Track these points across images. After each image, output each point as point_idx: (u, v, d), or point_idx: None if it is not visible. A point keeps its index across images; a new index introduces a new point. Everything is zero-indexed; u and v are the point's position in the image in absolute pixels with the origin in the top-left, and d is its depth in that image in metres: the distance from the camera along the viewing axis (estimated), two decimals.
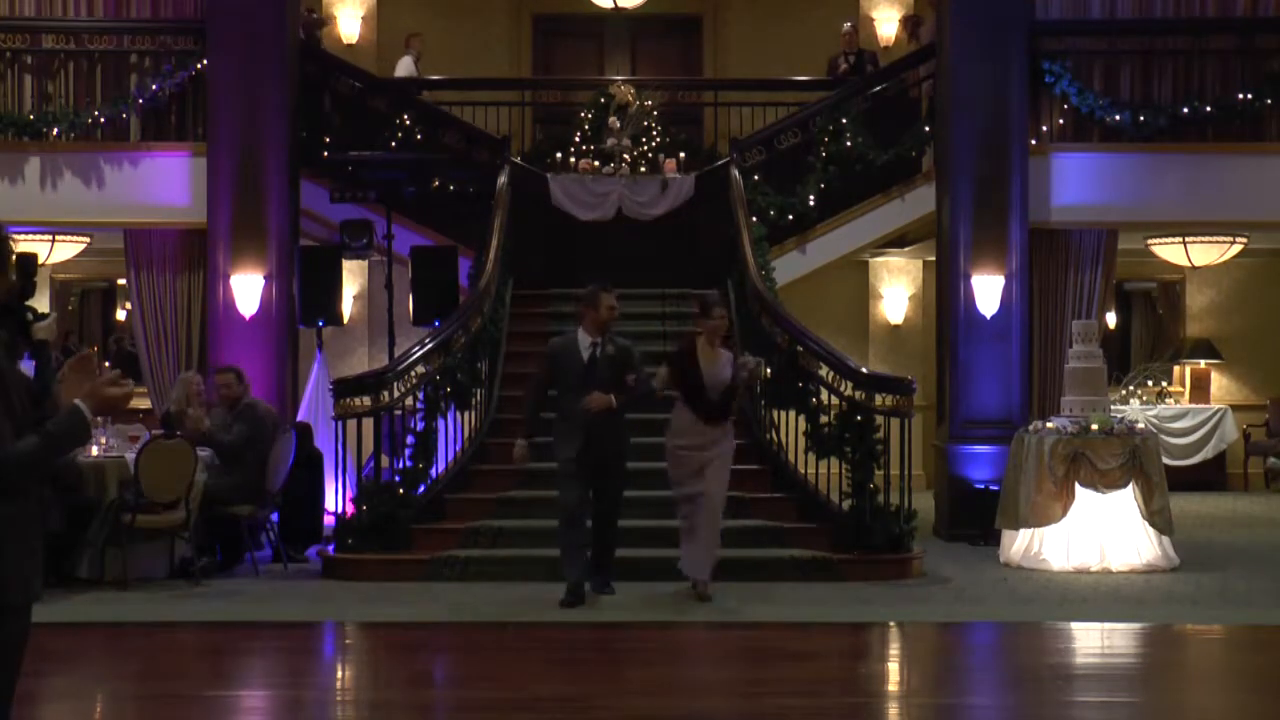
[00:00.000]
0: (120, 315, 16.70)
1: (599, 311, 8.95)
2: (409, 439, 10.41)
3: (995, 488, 11.20)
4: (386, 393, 10.23)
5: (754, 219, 12.68)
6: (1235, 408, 16.04)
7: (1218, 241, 13.55)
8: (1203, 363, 16.37)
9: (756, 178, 13.28)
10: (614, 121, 13.57)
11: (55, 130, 12.35)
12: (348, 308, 14.31)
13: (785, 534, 10.22)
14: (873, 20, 16.50)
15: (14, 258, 3.91)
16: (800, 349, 10.64)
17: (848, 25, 15.59)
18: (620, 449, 9.07)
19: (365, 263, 14.89)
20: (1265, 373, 16.40)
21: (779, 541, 10.16)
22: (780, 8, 16.67)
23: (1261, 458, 16.04)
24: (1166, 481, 10.59)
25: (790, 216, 13.29)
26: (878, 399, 10.19)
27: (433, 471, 10.60)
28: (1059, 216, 12.38)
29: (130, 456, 9.70)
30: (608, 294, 8.99)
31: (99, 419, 3.93)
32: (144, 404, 12.60)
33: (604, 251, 12.79)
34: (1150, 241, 13.78)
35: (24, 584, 3.70)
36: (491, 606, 8.94)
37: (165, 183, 12.35)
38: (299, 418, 11.84)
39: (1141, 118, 12.38)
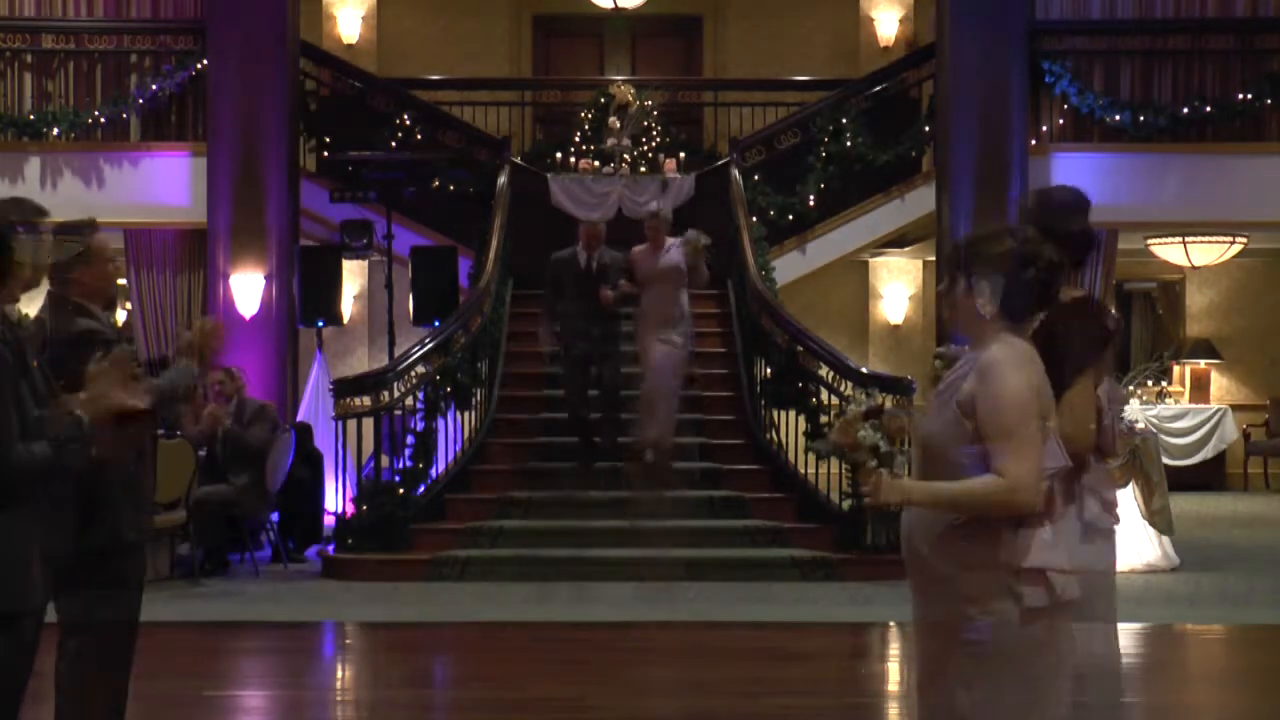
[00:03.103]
0: (120, 315, 16.67)
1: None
2: (409, 439, 10.41)
3: None
4: (386, 393, 10.24)
5: (754, 219, 12.68)
6: (1235, 408, 16.03)
7: (1218, 241, 13.56)
8: (1203, 363, 16.37)
9: (756, 178, 13.28)
10: (614, 121, 13.57)
11: (55, 130, 12.36)
12: (348, 308, 14.30)
13: (785, 534, 10.22)
14: (873, 20, 16.49)
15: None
16: (800, 349, 10.65)
17: None
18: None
19: (365, 263, 14.88)
20: (1265, 373, 16.39)
21: (779, 541, 10.16)
22: (780, 8, 16.65)
23: (1261, 457, 16.04)
24: (1166, 481, 10.58)
25: (790, 216, 13.29)
26: (878, 399, 10.18)
27: (433, 471, 10.60)
28: None
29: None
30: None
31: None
32: None
33: None
34: (1150, 241, 13.78)
35: (24, 590, 3.62)
36: (491, 606, 8.94)
37: (165, 183, 12.36)
38: (299, 418, 11.83)
39: (1141, 118, 12.38)
